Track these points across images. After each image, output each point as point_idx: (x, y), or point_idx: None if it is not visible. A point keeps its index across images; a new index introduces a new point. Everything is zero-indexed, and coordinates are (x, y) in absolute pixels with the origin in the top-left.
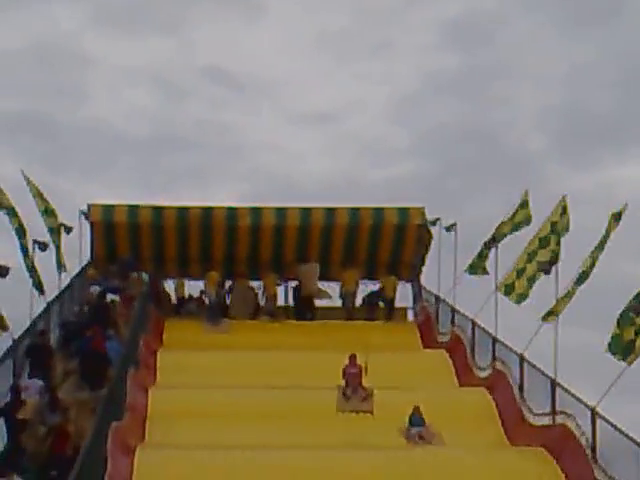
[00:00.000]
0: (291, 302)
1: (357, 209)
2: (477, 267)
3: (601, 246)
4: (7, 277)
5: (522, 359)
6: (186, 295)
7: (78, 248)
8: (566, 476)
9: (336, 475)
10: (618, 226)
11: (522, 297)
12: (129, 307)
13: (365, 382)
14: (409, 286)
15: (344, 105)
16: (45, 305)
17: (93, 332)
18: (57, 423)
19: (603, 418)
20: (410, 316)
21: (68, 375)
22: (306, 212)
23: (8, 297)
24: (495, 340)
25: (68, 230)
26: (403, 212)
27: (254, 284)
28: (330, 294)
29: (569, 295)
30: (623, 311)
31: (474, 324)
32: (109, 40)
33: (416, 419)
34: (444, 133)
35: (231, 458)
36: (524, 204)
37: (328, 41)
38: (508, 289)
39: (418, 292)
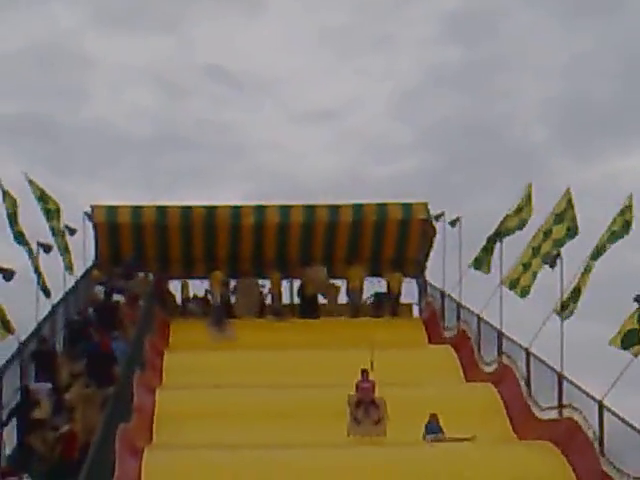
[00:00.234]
0: (296, 300)
1: (360, 205)
2: (482, 262)
3: (607, 242)
4: (11, 280)
5: (528, 353)
6: (190, 295)
7: (82, 250)
8: (574, 469)
9: (344, 473)
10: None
11: (527, 291)
12: (134, 308)
13: (372, 376)
14: (414, 282)
15: (346, 101)
16: (50, 308)
17: (100, 335)
18: (67, 431)
19: (610, 411)
20: (415, 312)
21: (75, 377)
22: (310, 210)
23: (13, 300)
24: (501, 334)
25: (72, 232)
26: (407, 207)
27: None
28: (339, 286)
29: (578, 291)
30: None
31: (480, 319)
32: (109, 39)
33: (432, 427)
34: (447, 127)
35: (239, 458)
36: (529, 199)
37: (329, 37)
38: (513, 283)
39: (423, 288)
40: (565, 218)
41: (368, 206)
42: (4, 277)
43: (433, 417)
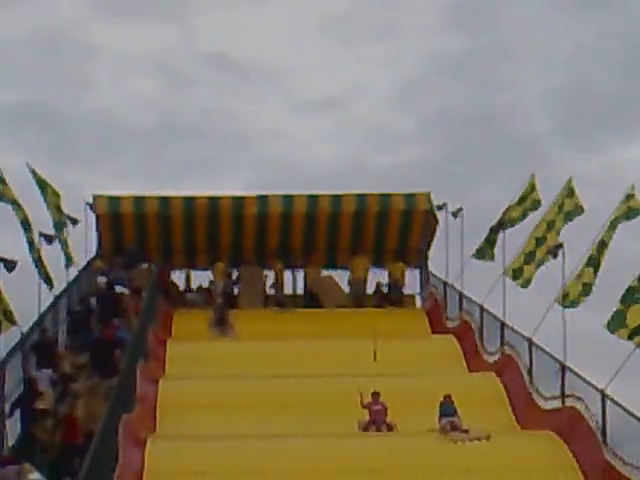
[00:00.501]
0: (299, 290)
1: (364, 195)
2: (485, 252)
3: (612, 228)
4: (14, 271)
5: (531, 343)
6: (193, 286)
7: (84, 240)
8: (576, 459)
9: (347, 462)
10: (629, 203)
11: (529, 281)
12: (138, 298)
13: (375, 369)
14: (417, 272)
15: (349, 90)
16: (53, 298)
17: (102, 324)
18: (64, 413)
19: (612, 400)
20: (418, 302)
21: (78, 369)
22: (313, 199)
23: (16, 291)
24: (503, 325)
25: (74, 222)
26: (409, 198)
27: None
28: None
29: (588, 282)
30: (628, 289)
31: (482, 309)
32: (112, 28)
33: (447, 408)
34: (449, 117)
35: (242, 448)
36: (532, 188)
37: (332, 25)
38: (516, 273)
39: (426, 278)
40: (564, 208)
41: (371, 196)
42: (6, 268)
43: (447, 398)
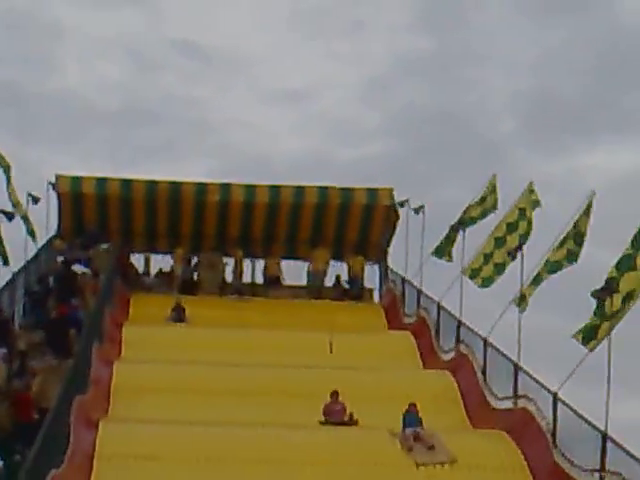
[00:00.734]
0: (257, 279)
1: (326, 188)
2: (444, 250)
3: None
4: None
5: (486, 343)
6: (153, 270)
7: (45, 219)
8: (526, 459)
9: (300, 453)
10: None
11: (488, 281)
12: (96, 279)
13: (331, 361)
14: (376, 267)
15: (315, 84)
16: (10, 276)
17: (57, 302)
18: (18, 391)
19: (564, 403)
20: (376, 297)
21: (33, 347)
22: (275, 190)
23: None
24: (460, 323)
25: (35, 201)
26: (372, 193)
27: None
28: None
29: (537, 281)
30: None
31: (439, 307)
32: (81, 10)
33: (411, 418)
34: (414, 115)
35: (194, 433)
36: (493, 189)
37: (301, 18)
38: (474, 273)
39: (385, 273)
40: (526, 212)
41: (333, 189)
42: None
43: (412, 406)
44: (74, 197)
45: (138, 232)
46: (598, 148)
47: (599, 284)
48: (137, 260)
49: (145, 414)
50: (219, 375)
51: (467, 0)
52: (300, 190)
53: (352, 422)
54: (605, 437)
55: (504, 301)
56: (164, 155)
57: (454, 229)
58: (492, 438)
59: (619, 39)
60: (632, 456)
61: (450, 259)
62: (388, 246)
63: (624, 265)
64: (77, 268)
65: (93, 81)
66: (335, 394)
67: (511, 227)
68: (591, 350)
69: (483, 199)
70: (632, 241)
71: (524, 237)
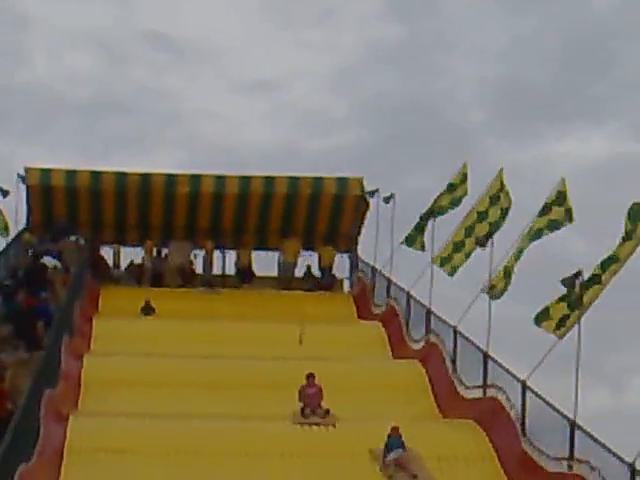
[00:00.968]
0: (227, 270)
1: (296, 178)
2: (414, 239)
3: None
4: None
5: (455, 332)
6: (122, 262)
7: (14, 212)
8: (495, 448)
9: (272, 445)
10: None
11: (455, 269)
12: (65, 272)
13: (300, 352)
14: (346, 257)
15: (285, 73)
16: None
17: (25, 294)
18: None
19: (532, 391)
20: (347, 287)
21: (2, 341)
22: (245, 180)
23: None
24: (429, 312)
25: (5, 193)
26: (342, 182)
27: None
28: None
29: (508, 271)
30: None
31: (409, 296)
32: (50, 1)
33: (394, 441)
34: (384, 104)
35: (165, 427)
36: (464, 178)
37: (271, 8)
38: (444, 261)
39: (355, 263)
40: (499, 201)
41: (303, 179)
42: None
43: (394, 430)
44: (43, 189)
45: (108, 224)
46: (569, 135)
47: (569, 271)
48: (107, 252)
49: (115, 407)
50: (190, 368)
51: None
52: (270, 180)
53: (328, 421)
54: (574, 425)
55: (474, 290)
56: (134, 147)
57: (424, 218)
58: (461, 428)
59: (589, 26)
60: (601, 444)
61: (422, 248)
62: (358, 236)
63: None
64: (47, 261)
65: (62, 73)
66: (311, 376)
67: (481, 216)
68: (560, 338)
69: (453, 188)
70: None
71: (494, 226)
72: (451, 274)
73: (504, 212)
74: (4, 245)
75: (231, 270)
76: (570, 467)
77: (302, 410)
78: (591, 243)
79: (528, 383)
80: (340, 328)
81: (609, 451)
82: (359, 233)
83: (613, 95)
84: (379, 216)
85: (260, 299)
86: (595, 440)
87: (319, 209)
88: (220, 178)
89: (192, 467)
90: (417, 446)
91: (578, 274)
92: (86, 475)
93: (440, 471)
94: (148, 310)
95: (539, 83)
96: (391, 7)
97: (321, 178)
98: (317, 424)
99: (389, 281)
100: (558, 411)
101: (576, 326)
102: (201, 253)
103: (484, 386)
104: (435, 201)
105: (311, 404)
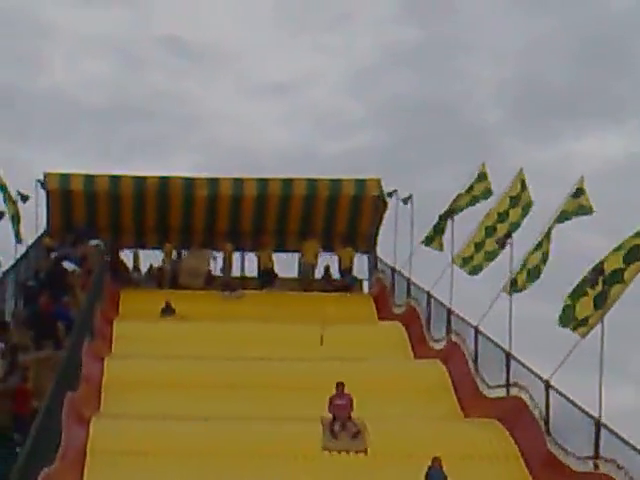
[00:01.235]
0: (247, 272)
1: (314, 180)
2: (433, 239)
3: (559, 220)
4: None
5: (477, 331)
6: (142, 265)
7: (35, 217)
8: (519, 447)
9: (291, 447)
10: (580, 200)
11: (477, 269)
12: (86, 275)
13: (321, 353)
14: (365, 257)
15: (302, 76)
16: (0, 274)
17: (45, 297)
18: (16, 384)
19: (556, 390)
20: (366, 288)
21: (26, 341)
22: (263, 183)
23: None
24: (450, 312)
25: (25, 199)
26: (360, 184)
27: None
28: None
29: (537, 272)
30: (578, 284)
31: (429, 296)
32: (68, 8)
33: (435, 474)
34: (401, 105)
35: (186, 429)
36: (482, 177)
37: (286, 11)
38: (464, 261)
39: (374, 264)
40: (520, 201)
41: (321, 181)
42: None
43: (436, 461)
44: (63, 194)
45: (127, 228)
46: (587, 135)
47: (589, 269)
48: (126, 256)
49: (137, 409)
50: (210, 369)
51: None
52: (288, 183)
53: (359, 446)
54: (599, 424)
55: (495, 289)
56: (152, 151)
57: (443, 218)
58: (485, 427)
59: (606, 25)
60: (626, 443)
61: (441, 248)
62: (377, 236)
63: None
64: (67, 265)
65: (81, 79)
66: (341, 385)
67: (502, 216)
68: (583, 337)
69: (472, 187)
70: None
71: (515, 225)
72: (471, 273)
73: (524, 211)
74: (25, 248)
75: (251, 272)
76: (596, 466)
77: (331, 425)
78: (611, 241)
79: (551, 382)
80: (361, 328)
81: (635, 449)
82: (377, 234)
83: (631, 94)
84: (397, 217)
85: (280, 300)
86: (621, 439)
87: (338, 210)
88: (238, 181)
89: (213, 469)
90: (441, 445)
91: (599, 270)
92: (108, 477)
93: (464, 470)
94: (168, 311)
95: (557, 83)
96: (407, 10)
97: (339, 180)
98: (347, 451)
99: (409, 281)
100: (583, 410)
101: (599, 324)
102: (220, 255)
103: (507, 385)
104: (454, 201)
105: (341, 416)
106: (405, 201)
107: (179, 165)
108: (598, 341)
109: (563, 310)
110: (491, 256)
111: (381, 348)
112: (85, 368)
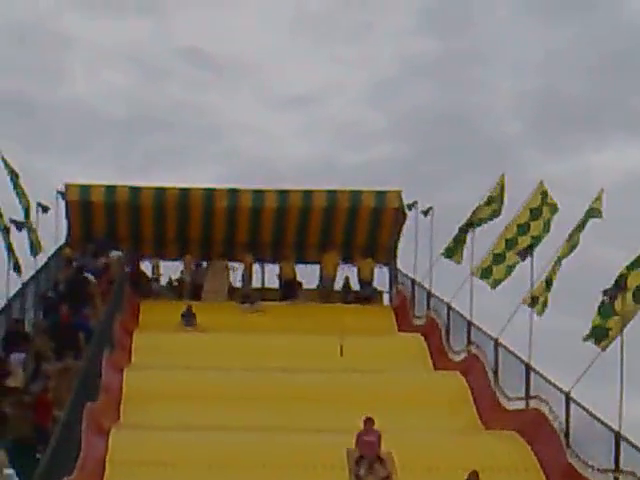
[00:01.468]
0: (268, 284)
1: (334, 192)
2: (453, 251)
3: (578, 231)
4: None
5: (497, 343)
6: (162, 276)
7: (54, 228)
8: (539, 460)
9: (311, 459)
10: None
11: (498, 282)
12: (105, 286)
13: (341, 364)
14: (385, 269)
15: (322, 88)
16: (20, 285)
17: (65, 308)
18: (38, 393)
19: (577, 403)
20: (386, 299)
21: (47, 351)
22: (283, 194)
23: None
24: (470, 324)
25: (45, 209)
26: (380, 195)
27: (231, 264)
28: None
29: (549, 282)
30: (605, 304)
31: (449, 308)
32: (88, 20)
33: None
34: (421, 117)
35: (205, 440)
36: (501, 189)
37: (306, 23)
38: (485, 273)
39: (394, 276)
40: (542, 214)
41: (342, 193)
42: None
43: (473, 475)
44: (83, 205)
45: (147, 239)
46: (607, 147)
47: (609, 283)
48: (146, 267)
49: (156, 421)
50: (230, 380)
51: (473, 2)
52: (308, 194)
53: (383, 460)
54: (619, 436)
55: (515, 301)
56: (172, 162)
57: (463, 230)
58: (504, 439)
59: (626, 37)
60: None
61: (460, 261)
62: (396, 248)
63: (635, 263)
64: (88, 276)
65: (102, 90)
66: (369, 421)
67: (522, 228)
68: (603, 350)
69: (492, 199)
70: None
71: (537, 239)
72: (493, 286)
73: (547, 224)
74: (45, 260)
75: (271, 283)
76: (616, 479)
77: (357, 467)
78: (630, 254)
79: (572, 394)
80: (381, 340)
81: None
82: (397, 246)
83: None
84: (418, 229)
85: (300, 312)
86: None
87: (358, 222)
88: (258, 192)
89: None
90: (460, 458)
91: (618, 284)
92: None
93: None
94: (189, 317)
95: (576, 95)
96: (427, 22)
97: (359, 191)
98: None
99: (429, 293)
100: (603, 422)
101: (619, 336)
102: (241, 267)
103: (526, 397)
104: (474, 213)
105: (369, 454)
106: (425, 213)
107: (199, 176)
108: (618, 353)
109: (593, 328)
110: (511, 269)
111: (401, 360)
112: (105, 379)
